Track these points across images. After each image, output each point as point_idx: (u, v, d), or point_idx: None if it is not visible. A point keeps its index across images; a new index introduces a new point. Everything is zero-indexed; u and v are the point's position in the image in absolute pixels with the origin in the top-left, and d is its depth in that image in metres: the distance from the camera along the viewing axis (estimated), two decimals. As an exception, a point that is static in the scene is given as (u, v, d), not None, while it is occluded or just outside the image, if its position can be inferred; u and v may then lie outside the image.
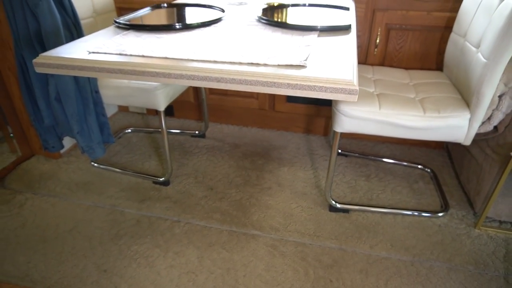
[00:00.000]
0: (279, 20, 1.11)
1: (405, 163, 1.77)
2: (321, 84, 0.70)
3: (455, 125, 1.22)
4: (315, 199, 1.55)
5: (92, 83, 1.48)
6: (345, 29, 1.05)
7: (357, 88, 0.69)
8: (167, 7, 1.36)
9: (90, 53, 0.85)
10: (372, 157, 1.82)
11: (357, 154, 1.84)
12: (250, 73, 0.74)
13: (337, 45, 0.92)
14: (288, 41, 0.94)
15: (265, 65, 0.77)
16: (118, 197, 1.56)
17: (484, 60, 1.14)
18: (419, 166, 1.75)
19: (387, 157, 1.82)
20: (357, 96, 0.69)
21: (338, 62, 0.79)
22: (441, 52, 1.67)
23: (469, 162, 1.53)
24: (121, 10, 1.90)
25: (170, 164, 1.64)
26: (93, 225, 1.43)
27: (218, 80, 0.75)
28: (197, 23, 1.07)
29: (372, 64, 1.75)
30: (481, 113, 1.19)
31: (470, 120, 1.22)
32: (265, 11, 1.28)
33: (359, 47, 1.75)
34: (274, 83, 0.72)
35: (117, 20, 1.08)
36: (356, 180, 1.67)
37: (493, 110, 1.24)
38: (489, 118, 1.26)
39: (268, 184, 1.64)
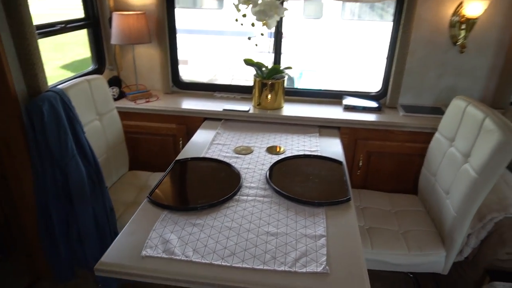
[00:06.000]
0: (288, 193, 1.29)
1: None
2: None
3: (434, 261, 1.46)
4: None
5: (111, 224, 1.61)
6: (346, 201, 1.28)
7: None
8: (190, 160, 1.54)
9: (143, 257, 1.01)
10: (361, 263, 2.02)
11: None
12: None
13: (343, 232, 1.13)
14: (303, 225, 1.15)
15: (289, 271, 0.96)
16: (132, 327, 1.64)
17: (454, 214, 1.40)
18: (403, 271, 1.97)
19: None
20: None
21: (349, 266, 0.99)
22: (415, 175, 1.92)
23: (448, 275, 1.77)
24: (128, 133, 2.07)
25: None
26: None
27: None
28: (219, 201, 1.25)
29: (355, 185, 1.99)
30: (455, 252, 1.44)
31: (446, 256, 1.46)
32: (270, 170, 1.48)
33: (344, 167, 2.00)
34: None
35: (151, 198, 1.25)
36: None
37: (463, 246, 1.49)
38: (461, 251, 1.51)
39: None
